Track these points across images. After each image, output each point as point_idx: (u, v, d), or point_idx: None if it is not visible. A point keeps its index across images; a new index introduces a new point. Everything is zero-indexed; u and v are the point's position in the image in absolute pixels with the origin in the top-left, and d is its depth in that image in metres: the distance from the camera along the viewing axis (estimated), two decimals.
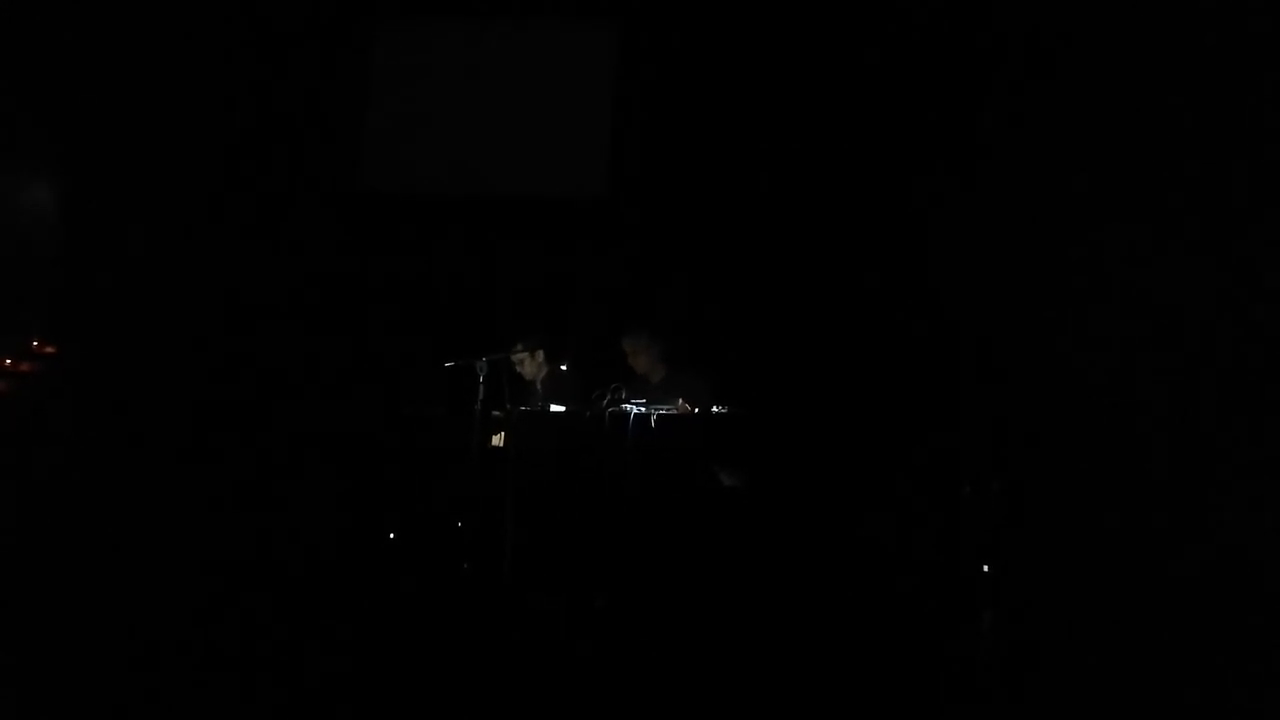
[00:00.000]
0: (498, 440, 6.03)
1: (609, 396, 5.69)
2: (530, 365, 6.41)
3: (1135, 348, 5.31)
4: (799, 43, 7.12)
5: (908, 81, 6.84)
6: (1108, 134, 5.78)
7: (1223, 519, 4.79)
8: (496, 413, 6.00)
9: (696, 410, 5.69)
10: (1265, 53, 5.09)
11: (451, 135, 7.70)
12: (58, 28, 7.39)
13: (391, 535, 6.11)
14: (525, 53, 7.69)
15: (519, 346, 6.34)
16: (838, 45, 7.04)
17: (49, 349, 7.49)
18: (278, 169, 7.56)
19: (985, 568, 5.24)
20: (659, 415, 5.63)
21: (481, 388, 5.83)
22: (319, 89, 7.70)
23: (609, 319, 6.75)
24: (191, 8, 7.52)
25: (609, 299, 7.05)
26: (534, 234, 7.45)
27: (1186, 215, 5.30)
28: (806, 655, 4.75)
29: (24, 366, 7.33)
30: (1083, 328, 5.57)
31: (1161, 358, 5.19)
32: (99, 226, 7.53)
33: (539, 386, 6.44)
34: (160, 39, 7.50)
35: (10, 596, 4.95)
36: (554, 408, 5.99)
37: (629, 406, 5.65)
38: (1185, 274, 5.24)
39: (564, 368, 6.37)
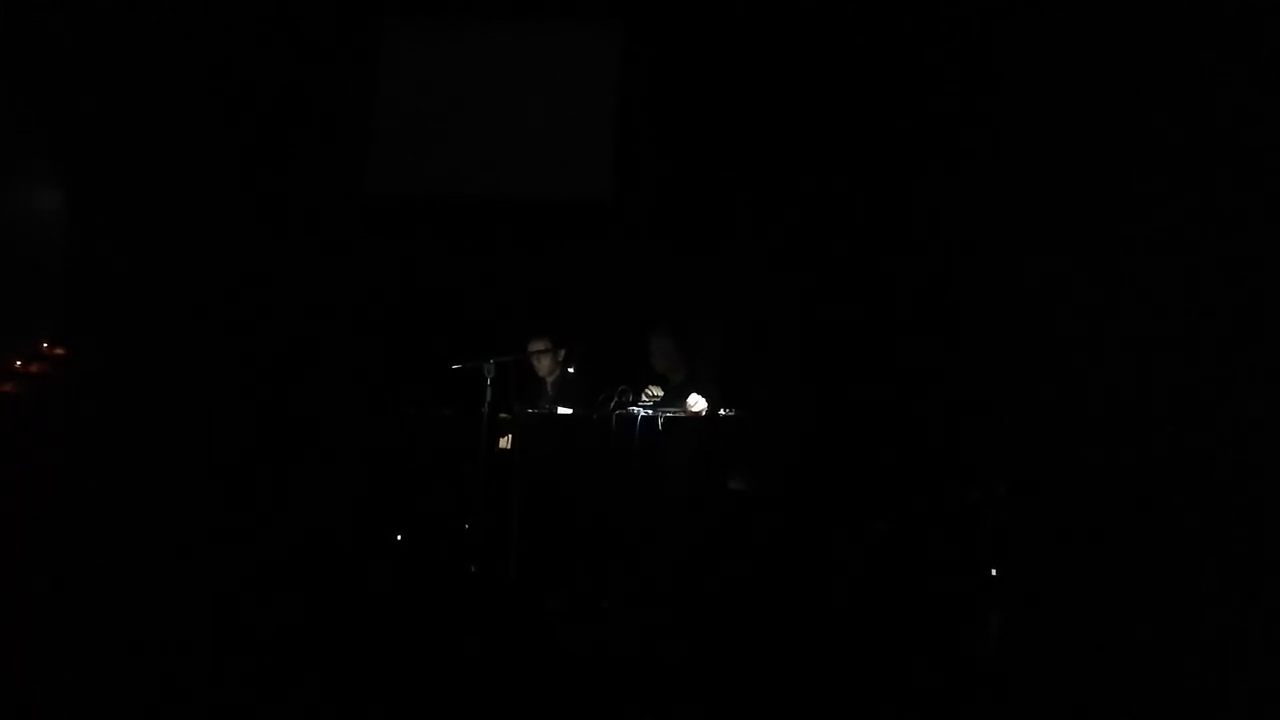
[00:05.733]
0: (505, 442, 6.05)
1: (616, 399, 5.70)
2: (547, 362, 6.43)
3: (1141, 349, 5.32)
4: (802, 43, 7.13)
5: (910, 82, 6.85)
6: (1113, 134, 5.79)
7: (1228, 519, 4.81)
8: (504, 415, 6.01)
9: (703, 412, 5.70)
10: (1267, 53, 5.10)
11: (457, 137, 7.70)
12: (62, 30, 7.40)
13: (399, 536, 6.13)
14: (530, 55, 7.68)
15: (542, 341, 6.36)
16: (841, 46, 7.04)
17: (58, 351, 7.52)
18: (284, 171, 7.56)
19: (993, 570, 5.26)
20: (666, 418, 5.64)
21: (489, 390, 5.85)
22: (324, 91, 7.69)
23: (613, 322, 6.77)
24: (196, 10, 7.52)
25: (614, 301, 7.05)
26: (538, 236, 7.46)
27: (1191, 215, 5.31)
28: (813, 656, 4.76)
29: (33, 368, 7.35)
30: (1089, 328, 5.58)
31: (1168, 358, 5.20)
32: (106, 229, 7.54)
33: (548, 387, 6.46)
34: (165, 41, 7.51)
35: (16, 598, 4.96)
36: (561, 410, 6.01)
37: (636, 409, 5.67)
38: (1191, 274, 5.25)
39: (571, 370, 6.38)
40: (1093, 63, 5.94)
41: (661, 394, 5.85)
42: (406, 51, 7.81)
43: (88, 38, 7.44)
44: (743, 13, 7.22)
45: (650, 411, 5.66)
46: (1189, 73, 5.40)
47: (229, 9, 7.54)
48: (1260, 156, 5.08)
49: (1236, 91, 5.22)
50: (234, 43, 7.55)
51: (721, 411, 5.66)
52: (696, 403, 5.75)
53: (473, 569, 5.76)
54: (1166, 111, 5.51)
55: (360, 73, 7.76)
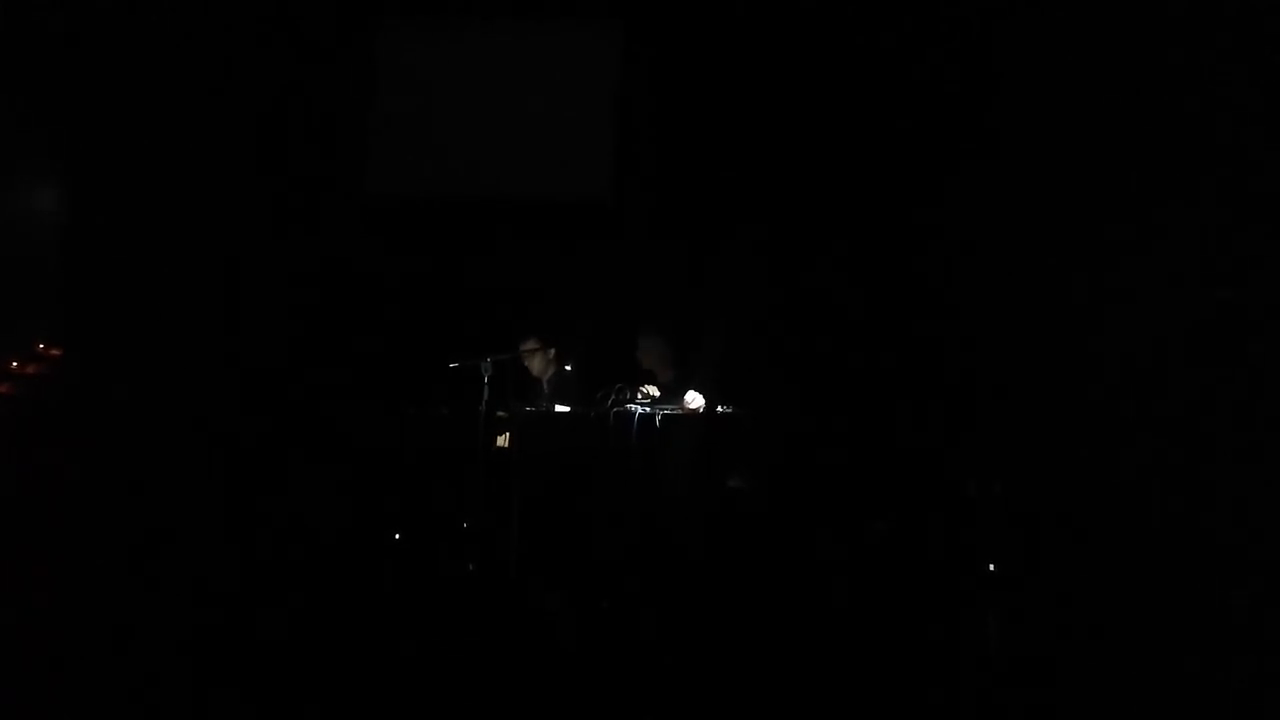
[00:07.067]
0: (503, 441, 6.05)
1: (613, 396, 5.70)
2: (539, 362, 6.44)
3: (1139, 347, 5.32)
4: (802, 44, 7.13)
5: (910, 82, 6.85)
6: (1113, 134, 5.79)
7: (1225, 517, 4.80)
8: (501, 413, 6.01)
9: (701, 410, 5.70)
10: (1267, 53, 5.11)
11: (455, 137, 7.71)
12: (62, 30, 7.40)
13: (397, 536, 6.12)
14: (530, 55, 7.69)
15: (532, 340, 6.36)
16: (841, 46, 7.05)
17: (54, 351, 7.51)
18: (282, 172, 7.56)
19: (990, 567, 5.26)
20: (664, 415, 5.65)
21: (486, 388, 5.84)
22: (324, 91, 7.69)
23: (612, 321, 6.76)
24: (196, 10, 7.52)
25: (613, 301, 7.05)
26: (537, 235, 7.46)
27: (1191, 215, 5.31)
28: (810, 655, 4.75)
29: (29, 369, 7.34)
30: (1084, 327, 5.58)
31: (1166, 356, 5.20)
32: (103, 229, 7.54)
33: (545, 385, 6.46)
34: (164, 41, 7.51)
35: (13, 597, 4.95)
36: (559, 408, 6.01)
37: (634, 407, 5.67)
38: (1189, 274, 5.25)
39: (568, 368, 6.39)
40: (1093, 63, 5.94)
41: (657, 394, 5.85)
42: (406, 51, 7.81)
43: (88, 38, 7.44)
44: (743, 13, 7.22)
45: (648, 409, 5.66)
46: (1189, 73, 5.40)
47: (229, 9, 7.54)
48: (1260, 157, 5.09)
49: (1236, 91, 5.22)
50: (234, 43, 7.55)
51: (720, 409, 5.66)
52: (694, 400, 5.75)
53: (471, 568, 5.75)
54: (1166, 112, 5.51)
55: (360, 72, 7.77)
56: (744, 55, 7.22)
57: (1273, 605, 4.48)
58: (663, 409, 5.69)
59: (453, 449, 6.01)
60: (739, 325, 6.60)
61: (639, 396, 5.75)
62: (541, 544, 5.67)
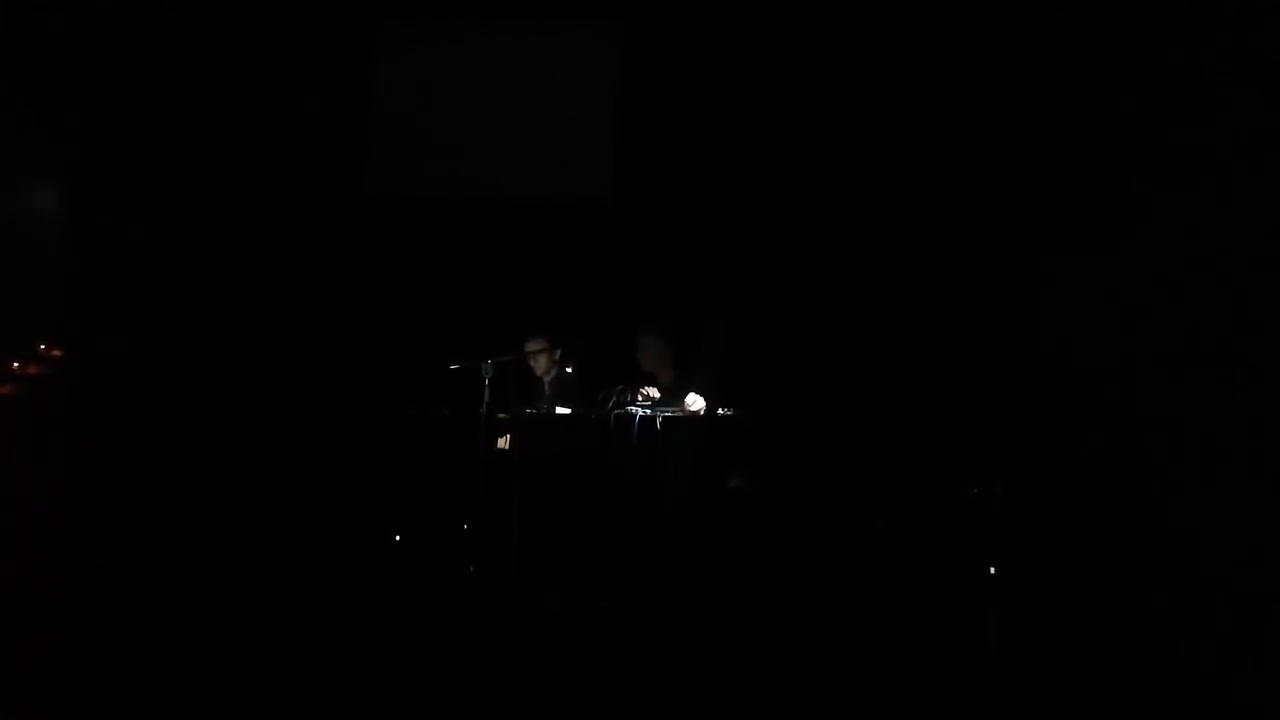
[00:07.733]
0: (503, 442, 6.05)
1: (614, 398, 5.71)
2: (544, 361, 6.44)
3: (1140, 347, 5.32)
4: (802, 43, 7.13)
5: (910, 82, 6.85)
6: (1113, 134, 5.79)
7: (1225, 517, 4.80)
8: (502, 415, 6.02)
9: (702, 412, 5.70)
10: (1267, 53, 5.11)
11: (455, 137, 7.71)
12: (62, 30, 7.41)
13: (397, 537, 6.13)
14: (530, 55, 7.69)
15: (538, 339, 6.37)
16: (841, 46, 7.05)
17: (55, 352, 7.52)
18: (281, 172, 7.56)
19: (991, 568, 5.26)
20: (665, 417, 5.65)
21: (487, 390, 5.85)
22: (324, 92, 7.70)
23: (612, 322, 6.77)
24: (196, 10, 7.53)
25: (613, 301, 7.05)
26: (537, 236, 7.46)
27: (1191, 215, 5.31)
28: (811, 656, 4.75)
29: (31, 369, 7.35)
30: (1084, 327, 5.58)
31: (1162, 357, 5.20)
32: (104, 229, 7.55)
33: (546, 386, 6.46)
34: (165, 41, 7.52)
35: (14, 598, 4.96)
36: (559, 410, 6.02)
37: (634, 408, 5.67)
38: (1190, 273, 5.25)
39: (569, 370, 6.39)
40: (1093, 63, 5.94)
41: (658, 395, 5.85)
42: (406, 51, 7.81)
43: (88, 38, 7.44)
44: (743, 13, 7.22)
45: (649, 411, 5.66)
46: (1189, 73, 5.40)
47: (228, 9, 7.54)
48: (1260, 157, 5.09)
49: (1236, 91, 5.22)
50: (233, 43, 7.55)
51: (720, 411, 5.66)
52: (695, 402, 5.75)
53: (472, 569, 5.76)
54: (1166, 111, 5.51)
55: (360, 73, 7.77)
56: (744, 55, 7.22)
57: (1273, 605, 4.49)
58: (663, 411, 5.69)
59: (453, 450, 6.01)
60: (739, 325, 6.60)
61: (640, 398, 5.75)
62: (541, 545, 5.67)
